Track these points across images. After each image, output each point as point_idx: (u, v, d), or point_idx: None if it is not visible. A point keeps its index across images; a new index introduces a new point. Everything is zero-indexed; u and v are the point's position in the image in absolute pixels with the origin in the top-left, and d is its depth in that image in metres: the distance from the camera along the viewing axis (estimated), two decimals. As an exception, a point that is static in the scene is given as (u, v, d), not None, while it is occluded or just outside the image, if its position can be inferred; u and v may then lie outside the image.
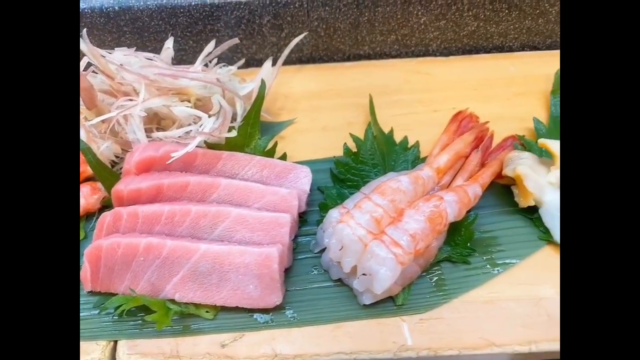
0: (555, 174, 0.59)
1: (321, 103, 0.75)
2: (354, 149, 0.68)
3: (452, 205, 0.54)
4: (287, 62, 0.83)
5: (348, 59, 0.82)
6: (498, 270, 0.57)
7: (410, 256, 0.51)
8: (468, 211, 0.60)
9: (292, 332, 0.55)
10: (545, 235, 0.60)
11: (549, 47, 0.82)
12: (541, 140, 0.62)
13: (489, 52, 0.82)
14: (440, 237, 0.57)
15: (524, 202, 0.60)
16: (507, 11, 0.75)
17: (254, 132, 0.64)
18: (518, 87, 0.76)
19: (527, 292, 0.56)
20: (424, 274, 0.57)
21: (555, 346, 0.53)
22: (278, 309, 0.55)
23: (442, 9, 0.74)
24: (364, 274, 0.52)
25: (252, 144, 0.64)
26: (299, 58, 0.81)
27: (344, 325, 0.55)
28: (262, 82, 0.63)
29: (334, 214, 0.56)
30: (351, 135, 0.67)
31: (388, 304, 0.56)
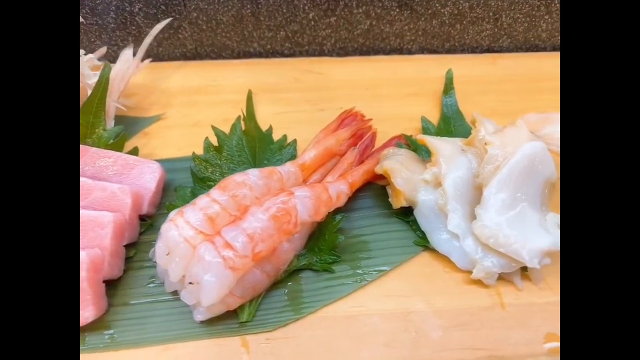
0: (430, 172, 0.53)
1: (198, 99, 0.68)
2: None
3: (303, 201, 0.47)
4: (170, 58, 0.77)
5: (238, 57, 0.76)
6: (365, 279, 0.50)
7: (245, 260, 0.43)
8: (335, 212, 0.53)
9: (107, 357, 0.44)
10: (421, 240, 0.53)
11: (449, 51, 0.79)
12: (420, 136, 0.57)
13: (387, 54, 0.78)
14: (297, 241, 0.49)
15: (396, 202, 0.53)
16: (397, 10, 0.72)
17: (97, 122, 0.55)
18: (411, 88, 0.71)
19: (395, 305, 0.48)
20: (279, 285, 0.50)
21: (422, 368, 0.45)
22: (93, 328, 0.45)
23: (330, 3, 0.70)
24: (190, 283, 0.43)
25: (94, 135, 0.55)
26: (183, 54, 0.74)
27: (175, 346, 0.45)
28: (106, 65, 0.55)
29: (171, 214, 0.48)
30: (214, 128, 0.60)
31: (231, 321, 0.47)
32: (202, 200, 0.46)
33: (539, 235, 0.50)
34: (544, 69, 0.76)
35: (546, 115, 0.69)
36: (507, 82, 0.74)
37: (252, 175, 0.48)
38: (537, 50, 0.80)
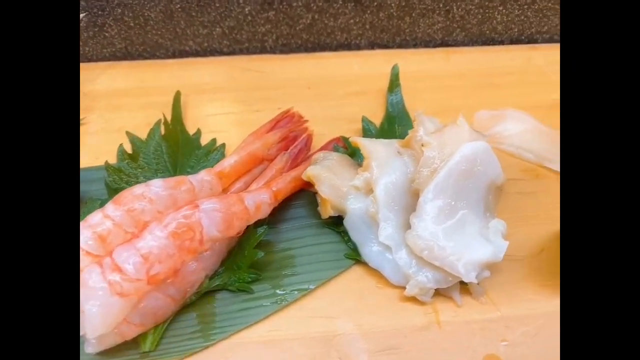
0: (362, 177, 0.49)
1: (124, 102, 0.63)
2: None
3: (210, 215, 0.41)
4: (99, 58, 0.71)
5: (173, 56, 0.71)
6: (286, 300, 0.45)
7: (138, 284, 0.38)
8: (257, 224, 0.48)
9: (-17, 399, 0.40)
10: (353, 252, 0.48)
11: (400, 46, 0.74)
12: (352, 138, 0.52)
13: (334, 50, 0.74)
14: (208, 259, 0.44)
15: (323, 212, 0.48)
16: (341, 2, 0.67)
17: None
18: (356, 86, 0.66)
19: (319, 328, 0.43)
20: (190, 308, 0.44)
21: (345, 399, 0.41)
22: (-29, 365, 0.41)
23: (265, -4, 0.66)
24: (76, 312, 0.38)
25: (-9, 145, 0.50)
26: (113, 53, 0.69)
27: (65, 383, 0.41)
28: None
29: (66, 231, 0.43)
30: (128, 134, 0.55)
31: (132, 351, 0.41)
32: (95, 216, 0.40)
33: (478, 245, 0.45)
34: (500, 64, 0.72)
35: (498, 112, 0.65)
36: (460, 78, 0.69)
37: (155, 186, 0.43)
38: (494, 44, 0.75)
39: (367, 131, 0.60)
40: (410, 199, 0.48)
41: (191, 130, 0.59)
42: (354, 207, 0.47)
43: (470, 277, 0.43)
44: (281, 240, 0.49)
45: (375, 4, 0.68)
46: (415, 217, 0.46)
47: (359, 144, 0.50)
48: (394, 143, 0.52)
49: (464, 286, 0.46)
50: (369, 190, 0.48)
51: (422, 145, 0.49)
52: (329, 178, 0.47)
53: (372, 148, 0.50)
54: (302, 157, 0.55)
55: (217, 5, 0.65)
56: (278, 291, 0.45)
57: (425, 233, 0.45)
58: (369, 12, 0.69)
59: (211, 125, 0.60)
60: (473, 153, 0.48)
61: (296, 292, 0.45)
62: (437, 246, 0.44)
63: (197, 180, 0.46)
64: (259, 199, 0.46)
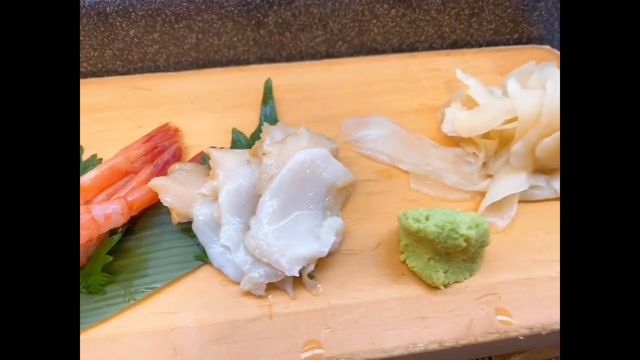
0: (210, 185, 0.54)
1: (16, 124, 0.68)
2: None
3: (52, 226, 0.47)
4: None
5: (71, 77, 0.76)
6: (134, 298, 0.50)
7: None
8: (114, 232, 0.53)
9: None
10: (202, 254, 0.53)
11: (287, 59, 0.80)
12: (206, 149, 0.57)
13: (225, 66, 0.79)
14: (59, 266, 0.49)
15: (173, 219, 0.53)
16: (220, 22, 0.73)
17: None
18: (238, 99, 0.72)
19: (161, 323, 0.48)
20: (44, 310, 0.49)
21: (176, 386, 0.45)
22: None
23: (147, 20, 0.71)
24: None
25: None
26: (12, 78, 0.74)
27: None
28: None
29: None
30: None
31: (-15, 352, 0.47)
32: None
33: (304, 242, 0.50)
34: (379, 72, 0.77)
35: (362, 119, 0.70)
36: (339, 87, 0.75)
37: (5, 202, 0.47)
38: (377, 53, 0.81)
39: (237, 142, 0.65)
40: (255, 203, 0.54)
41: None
42: (199, 214, 0.52)
43: (293, 271, 0.48)
44: (140, 246, 0.54)
45: (254, 22, 0.73)
46: (253, 219, 0.51)
47: (209, 155, 0.55)
48: (245, 153, 0.56)
49: (300, 280, 0.52)
50: (217, 197, 0.53)
51: (264, 154, 0.54)
52: (173, 188, 0.52)
53: (221, 158, 0.54)
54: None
55: (102, 29, 0.70)
56: (129, 290, 0.50)
57: (259, 233, 0.50)
58: (249, 29, 0.74)
59: (94, 143, 0.65)
60: (307, 160, 0.53)
61: (145, 290, 0.50)
62: (267, 244, 0.49)
63: (53, 194, 0.50)
64: (108, 210, 0.50)
